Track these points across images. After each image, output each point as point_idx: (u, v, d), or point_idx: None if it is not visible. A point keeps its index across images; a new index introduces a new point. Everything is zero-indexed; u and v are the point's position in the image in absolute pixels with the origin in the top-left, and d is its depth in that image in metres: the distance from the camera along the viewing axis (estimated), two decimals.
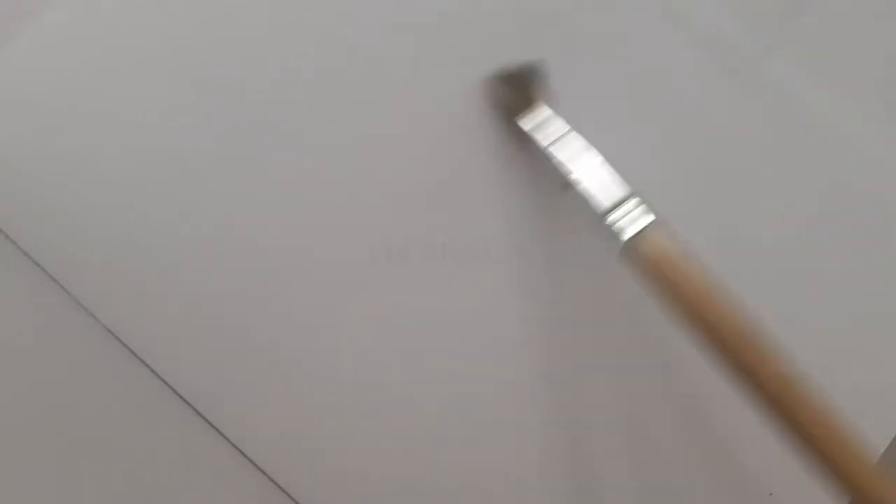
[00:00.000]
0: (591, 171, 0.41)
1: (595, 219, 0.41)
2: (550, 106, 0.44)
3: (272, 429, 0.43)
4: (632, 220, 0.40)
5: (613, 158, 0.41)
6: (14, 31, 0.45)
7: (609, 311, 0.47)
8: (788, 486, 0.44)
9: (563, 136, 0.43)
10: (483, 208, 0.46)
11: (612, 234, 0.41)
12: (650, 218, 0.40)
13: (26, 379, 0.42)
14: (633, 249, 0.40)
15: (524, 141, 0.44)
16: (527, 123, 0.43)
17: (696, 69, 0.50)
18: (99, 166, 0.44)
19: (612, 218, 0.41)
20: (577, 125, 0.43)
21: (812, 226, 0.48)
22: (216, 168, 0.45)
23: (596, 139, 0.42)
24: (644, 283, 0.40)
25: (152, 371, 0.42)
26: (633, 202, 0.41)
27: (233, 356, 0.43)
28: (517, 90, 0.44)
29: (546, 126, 0.43)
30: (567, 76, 0.44)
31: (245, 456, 0.42)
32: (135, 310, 0.43)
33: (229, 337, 0.43)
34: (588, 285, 0.47)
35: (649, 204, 0.41)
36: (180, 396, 0.42)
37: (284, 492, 0.42)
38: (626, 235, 0.40)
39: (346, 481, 0.42)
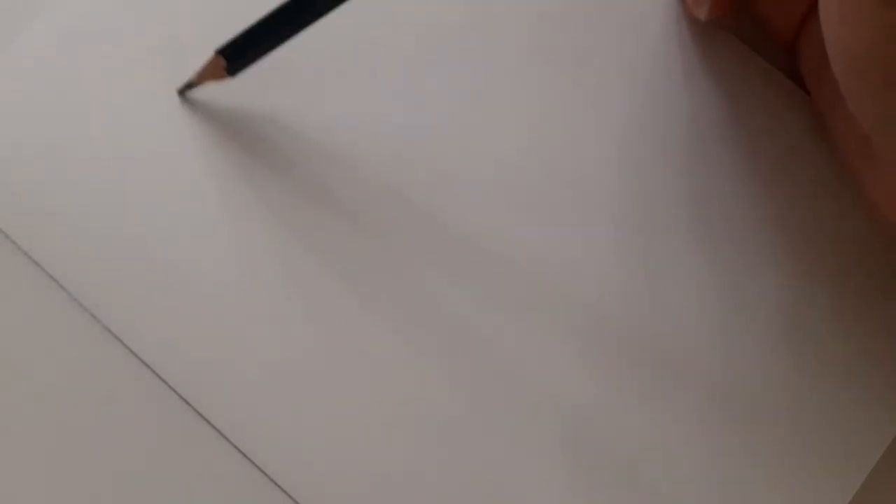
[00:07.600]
0: None
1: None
2: None
3: (273, 429, 0.43)
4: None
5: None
6: (14, 31, 0.45)
7: None
8: (788, 485, 0.44)
9: None
10: None
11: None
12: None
13: (25, 379, 0.42)
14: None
15: None
16: None
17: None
18: (99, 166, 0.45)
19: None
20: None
21: (810, 225, 0.48)
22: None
23: None
24: None
25: (153, 371, 0.42)
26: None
27: (235, 358, 0.43)
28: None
29: None
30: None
31: (245, 456, 0.42)
32: (135, 310, 0.43)
33: (231, 338, 0.43)
34: None
35: None
36: (181, 397, 0.42)
37: (284, 492, 0.42)
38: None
39: (346, 481, 0.42)
